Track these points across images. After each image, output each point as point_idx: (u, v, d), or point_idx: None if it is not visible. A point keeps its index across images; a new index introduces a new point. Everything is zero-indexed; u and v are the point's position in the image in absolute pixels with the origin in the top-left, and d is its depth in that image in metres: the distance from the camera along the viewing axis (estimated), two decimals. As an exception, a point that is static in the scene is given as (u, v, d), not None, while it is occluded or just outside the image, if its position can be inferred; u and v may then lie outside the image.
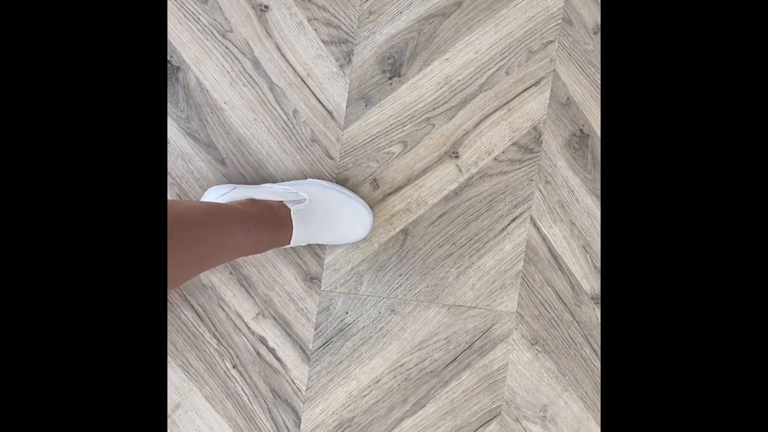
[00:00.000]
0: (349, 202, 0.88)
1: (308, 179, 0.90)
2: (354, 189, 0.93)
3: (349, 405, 0.94)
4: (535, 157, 0.96)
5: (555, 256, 0.97)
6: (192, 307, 0.90)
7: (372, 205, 0.93)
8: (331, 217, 0.87)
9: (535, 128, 0.95)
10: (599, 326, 0.97)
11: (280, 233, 0.80)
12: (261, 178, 0.91)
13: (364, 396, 0.94)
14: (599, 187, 0.97)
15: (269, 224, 0.78)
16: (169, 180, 0.90)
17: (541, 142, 0.96)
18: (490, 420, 0.96)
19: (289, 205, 0.82)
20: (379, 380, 0.94)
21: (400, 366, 0.94)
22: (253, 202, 0.80)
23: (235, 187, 0.84)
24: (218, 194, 0.84)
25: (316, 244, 0.93)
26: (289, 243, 0.82)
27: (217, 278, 0.90)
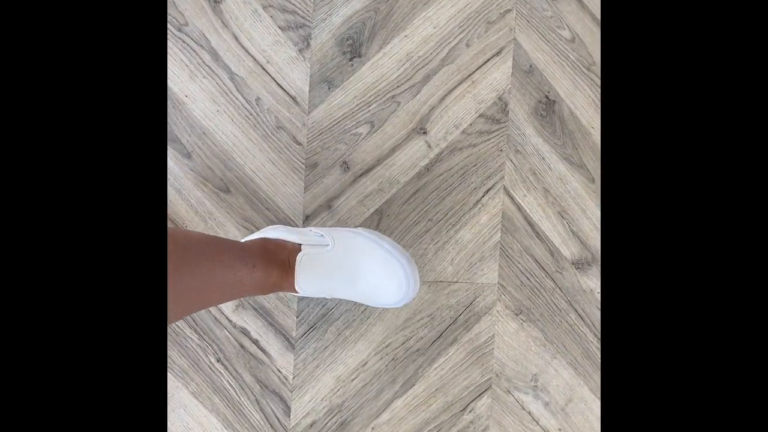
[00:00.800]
0: (381, 254, 0.76)
1: (358, 228, 0.83)
2: (323, 172, 0.92)
3: (338, 390, 0.93)
4: (503, 127, 0.96)
5: (532, 225, 0.96)
6: (170, 304, 0.90)
7: (344, 187, 0.93)
8: (354, 270, 0.75)
9: (500, 98, 0.95)
10: (583, 292, 0.97)
11: (290, 277, 0.74)
12: (228, 169, 0.90)
13: (353, 380, 0.94)
14: (570, 153, 0.97)
15: (278, 265, 0.72)
16: (137, 178, 0.90)
17: (508, 111, 0.96)
18: (481, 394, 0.96)
19: (304, 249, 0.74)
20: (366, 363, 0.94)
21: (386, 347, 0.94)
22: (265, 241, 0.75)
23: (275, 228, 0.79)
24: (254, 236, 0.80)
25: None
26: (296, 290, 0.75)
27: (193, 273, 0.90)
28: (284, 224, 0.91)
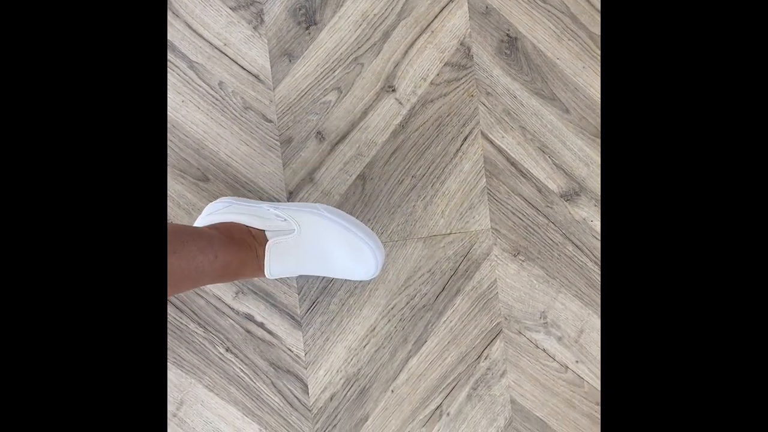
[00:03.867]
0: (348, 238, 0.79)
1: (318, 204, 0.84)
2: (299, 146, 0.91)
3: (352, 359, 0.93)
4: (470, 72, 0.95)
5: (514, 164, 0.96)
6: (169, 301, 0.89)
7: (322, 157, 0.92)
8: (323, 254, 0.79)
9: (462, 44, 0.95)
10: (575, 222, 0.97)
11: (254, 263, 0.76)
12: (203, 157, 0.89)
13: (364, 346, 0.93)
14: (540, 87, 0.97)
15: (241, 252, 0.74)
16: (113, 181, 0.88)
17: (472, 56, 0.95)
18: (493, 339, 0.96)
19: (269, 236, 0.77)
20: (374, 328, 0.93)
21: (392, 308, 0.94)
22: (229, 227, 0.76)
23: (230, 204, 0.80)
24: (210, 211, 0.80)
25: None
26: (264, 275, 0.78)
27: (187, 267, 0.89)
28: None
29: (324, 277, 0.92)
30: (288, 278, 0.91)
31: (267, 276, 0.78)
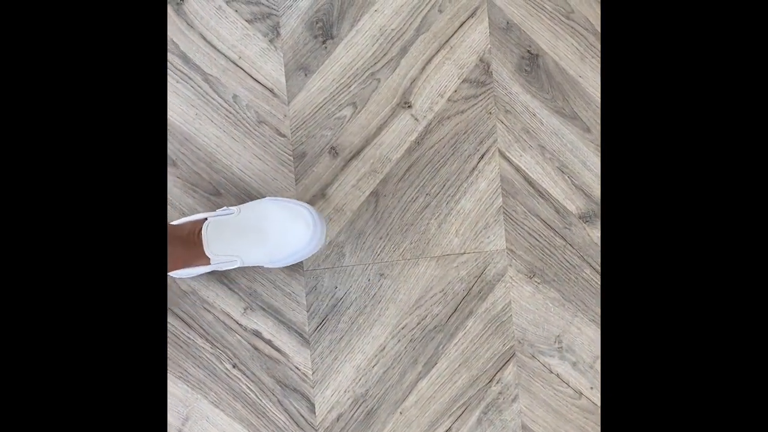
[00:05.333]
0: (282, 205, 0.80)
1: (265, 197, 0.85)
2: (313, 161, 0.90)
3: (360, 379, 0.91)
4: (489, 89, 0.93)
5: (532, 184, 0.94)
6: (177, 315, 0.88)
7: (336, 173, 0.91)
8: (260, 225, 0.79)
9: (481, 60, 0.93)
10: (594, 245, 0.95)
11: (195, 248, 0.76)
12: (216, 171, 0.88)
13: (373, 367, 0.92)
14: (561, 105, 0.94)
15: (180, 243, 0.75)
16: (124, 193, 0.88)
17: (491, 72, 0.93)
18: (506, 363, 0.94)
19: (210, 219, 0.78)
20: (384, 347, 0.92)
21: (402, 328, 0.92)
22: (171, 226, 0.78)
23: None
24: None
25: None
26: (209, 259, 0.78)
27: (196, 282, 0.88)
28: None
29: (334, 295, 0.90)
30: (297, 295, 0.90)
31: (207, 254, 0.76)
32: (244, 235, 0.79)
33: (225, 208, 0.81)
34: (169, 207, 0.88)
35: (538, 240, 0.94)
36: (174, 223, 0.81)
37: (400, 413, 0.92)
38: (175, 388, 0.88)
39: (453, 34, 0.92)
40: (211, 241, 0.76)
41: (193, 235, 0.77)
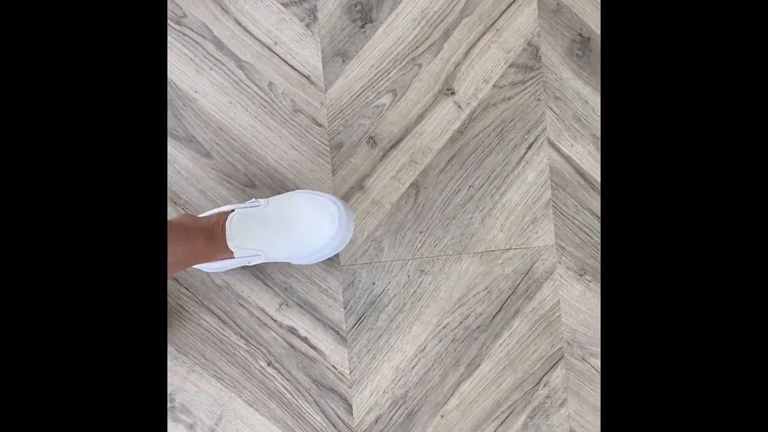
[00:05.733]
0: (309, 198, 0.77)
1: (297, 190, 0.82)
2: (350, 151, 0.86)
3: (399, 380, 0.87)
4: (538, 74, 0.87)
5: (583, 175, 0.88)
6: (211, 311, 0.85)
7: (374, 164, 0.86)
8: (286, 219, 0.76)
9: (529, 44, 0.87)
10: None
11: (220, 241, 0.73)
12: (251, 162, 0.85)
13: (413, 367, 0.87)
14: (615, 91, 0.88)
15: (201, 230, 0.72)
16: (157, 185, 0.86)
17: (540, 57, 0.87)
18: (553, 365, 0.88)
19: (236, 211, 0.75)
20: (424, 347, 0.87)
21: (444, 328, 0.87)
22: (181, 216, 0.75)
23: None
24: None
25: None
26: (232, 253, 0.74)
27: (230, 276, 0.85)
28: None
29: (372, 291, 0.86)
30: (334, 291, 0.86)
31: (230, 247, 0.73)
32: (269, 229, 0.75)
33: (254, 200, 0.78)
34: (202, 198, 0.85)
35: (589, 235, 0.88)
36: (201, 215, 0.78)
37: (441, 416, 0.88)
38: (208, 387, 0.85)
39: (499, 17, 0.86)
40: (234, 235, 0.73)
41: (217, 227, 0.74)
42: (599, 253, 0.88)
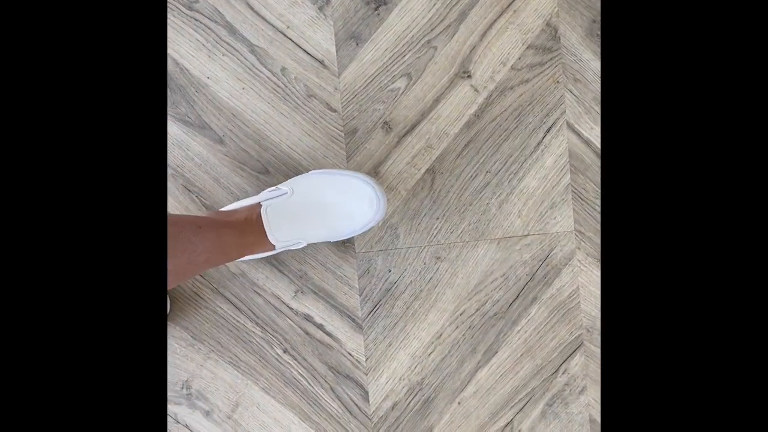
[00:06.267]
0: (340, 179, 0.76)
1: (310, 171, 0.81)
2: (365, 137, 0.85)
3: (416, 367, 0.87)
4: (557, 55, 0.85)
5: (604, 159, 0.86)
6: (226, 298, 0.85)
7: (389, 149, 0.85)
8: (319, 203, 0.76)
9: (548, 24, 0.85)
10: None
11: (251, 237, 0.72)
12: (264, 149, 0.84)
13: (429, 354, 0.87)
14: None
15: (232, 227, 0.70)
16: (171, 171, 0.85)
17: (559, 38, 0.85)
18: (572, 352, 0.87)
19: (265, 203, 0.74)
20: (441, 334, 0.87)
21: (461, 314, 0.86)
22: (215, 212, 0.74)
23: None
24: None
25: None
26: (272, 245, 0.74)
27: (245, 264, 0.85)
28: None
29: (388, 278, 0.85)
30: (349, 278, 0.85)
31: (271, 241, 0.72)
32: (306, 218, 0.75)
33: (274, 188, 0.77)
34: (216, 186, 0.85)
35: (609, 221, 0.86)
36: (225, 209, 0.77)
37: (459, 403, 0.87)
38: (225, 374, 0.86)
39: (517, -4, 0.84)
40: (273, 228, 0.72)
41: (251, 222, 0.72)
42: (620, 238, 0.87)
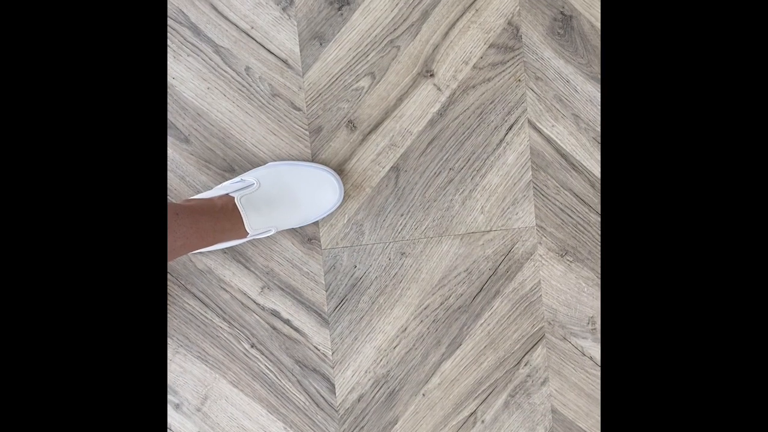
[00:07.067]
0: (305, 171, 0.82)
1: (267, 163, 0.85)
2: (329, 135, 0.86)
3: (381, 360, 0.89)
4: (518, 54, 0.87)
5: (565, 156, 0.88)
6: (194, 295, 0.87)
7: (354, 148, 0.87)
8: (290, 194, 0.81)
9: (510, 23, 0.86)
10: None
11: (227, 224, 0.75)
12: (229, 147, 0.86)
13: (395, 347, 0.89)
14: (597, 70, 0.87)
15: (207, 215, 0.73)
16: (137, 171, 0.86)
17: (521, 36, 0.86)
18: (535, 345, 0.89)
19: (234, 195, 0.77)
20: (405, 328, 0.89)
21: (425, 309, 0.88)
22: (187, 200, 0.76)
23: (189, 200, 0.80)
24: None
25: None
26: (246, 233, 0.77)
27: (211, 260, 0.87)
28: None
29: (353, 275, 0.87)
30: (316, 274, 0.87)
31: (248, 230, 0.76)
32: (277, 207, 0.79)
33: (238, 179, 0.80)
34: (182, 184, 0.86)
35: (570, 216, 0.88)
36: (198, 196, 0.79)
37: (423, 395, 0.89)
38: (193, 368, 0.87)
39: (478, -4, 0.85)
40: (250, 216, 0.76)
41: (227, 210, 0.75)
42: (580, 233, 0.88)
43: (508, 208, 0.88)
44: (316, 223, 0.87)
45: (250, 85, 0.85)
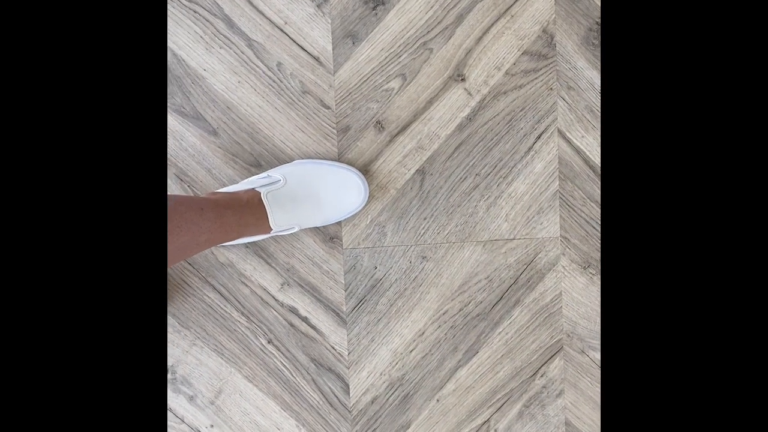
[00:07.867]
0: (331, 170, 0.82)
1: (294, 160, 0.85)
2: (357, 135, 0.86)
3: (397, 363, 0.88)
4: (551, 62, 0.86)
5: (593, 168, 0.87)
6: (214, 287, 0.87)
7: (380, 148, 0.86)
8: (314, 192, 0.81)
9: (544, 31, 0.85)
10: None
11: (251, 218, 0.75)
12: (257, 142, 0.86)
13: (411, 351, 0.88)
14: (630, 82, 0.86)
15: (232, 209, 0.73)
16: (164, 162, 0.86)
17: (555, 45, 0.86)
18: (552, 356, 0.89)
19: (262, 190, 0.77)
20: (423, 332, 0.88)
21: (443, 314, 0.88)
22: (212, 193, 0.77)
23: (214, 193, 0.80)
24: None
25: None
26: (270, 228, 0.77)
27: (233, 254, 0.86)
28: None
29: (373, 275, 0.87)
30: (336, 273, 0.87)
31: (272, 226, 0.76)
32: (302, 205, 0.79)
33: (264, 175, 0.80)
34: (208, 177, 0.86)
35: (595, 228, 0.87)
36: (223, 190, 0.79)
37: (437, 401, 0.89)
38: (209, 361, 0.87)
39: (514, 2, 0.85)
40: (275, 212, 0.76)
41: (252, 205, 0.76)
42: (604, 247, 0.88)
43: (533, 217, 0.87)
44: (338, 223, 0.86)
45: (281, 81, 0.85)
